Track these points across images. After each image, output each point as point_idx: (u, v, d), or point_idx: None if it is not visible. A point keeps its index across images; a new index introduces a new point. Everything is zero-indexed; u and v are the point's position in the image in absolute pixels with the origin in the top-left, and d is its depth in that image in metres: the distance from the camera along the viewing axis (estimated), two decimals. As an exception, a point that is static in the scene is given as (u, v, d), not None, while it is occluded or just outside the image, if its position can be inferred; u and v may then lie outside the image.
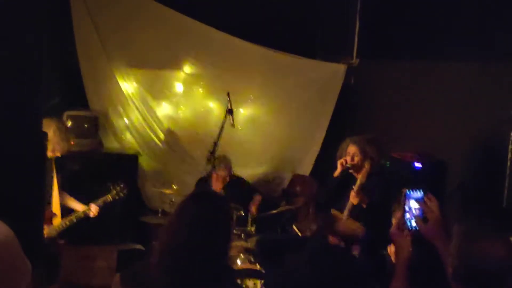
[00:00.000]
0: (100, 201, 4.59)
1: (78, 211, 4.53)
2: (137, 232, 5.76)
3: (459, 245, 1.94)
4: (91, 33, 6.13)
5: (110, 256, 5.30)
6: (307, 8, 6.39)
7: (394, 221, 3.24)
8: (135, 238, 5.78)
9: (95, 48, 6.18)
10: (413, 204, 2.32)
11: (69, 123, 5.54)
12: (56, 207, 4.42)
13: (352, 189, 4.13)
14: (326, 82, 6.32)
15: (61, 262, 4.61)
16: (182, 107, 6.52)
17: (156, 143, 6.48)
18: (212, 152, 5.04)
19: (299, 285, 2.56)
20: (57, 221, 4.42)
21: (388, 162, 5.02)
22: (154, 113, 6.44)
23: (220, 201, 2.34)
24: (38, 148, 2.74)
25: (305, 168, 6.46)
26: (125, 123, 6.44)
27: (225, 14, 6.19)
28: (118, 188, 4.68)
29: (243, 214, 5.02)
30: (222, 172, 5.44)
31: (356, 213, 4.11)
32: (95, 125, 6.05)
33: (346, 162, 4.28)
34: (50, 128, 4.14)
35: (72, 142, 4.61)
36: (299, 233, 5.21)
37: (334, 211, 4.21)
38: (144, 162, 6.40)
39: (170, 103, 6.52)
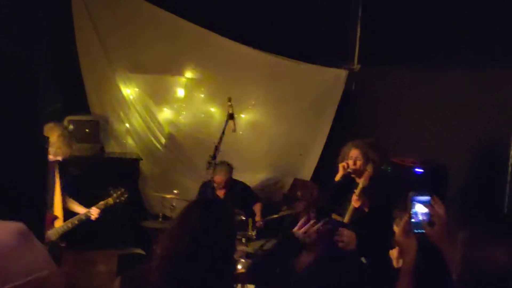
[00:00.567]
0: (101, 204, 4.60)
1: (80, 214, 4.54)
2: (138, 237, 5.76)
3: (464, 252, 1.94)
4: (93, 38, 6.16)
5: (110, 261, 5.31)
6: (308, 14, 6.41)
7: (395, 226, 3.24)
8: (136, 243, 5.78)
9: (97, 53, 6.20)
10: (419, 208, 2.31)
11: (71, 128, 5.55)
12: (58, 210, 4.44)
13: (354, 193, 4.13)
14: (327, 87, 6.33)
15: (62, 266, 4.61)
16: (183, 112, 6.54)
17: (157, 148, 6.50)
18: (213, 157, 5.04)
19: None
20: (59, 223, 4.44)
21: (389, 167, 5.02)
22: (155, 118, 6.46)
23: (224, 210, 2.32)
24: (39, 152, 2.75)
25: (306, 173, 6.47)
26: (126, 127, 6.46)
27: (227, 19, 6.21)
28: (118, 192, 4.70)
29: (243, 219, 5.01)
30: (219, 178, 5.44)
31: (357, 217, 4.11)
32: (96, 130, 6.07)
33: (348, 166, 4.28)
34: (54, 133, 4.18)
35: (74, 147, 4.63)
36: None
37: (335, 216, 4.20)
38: (145, 166, 6.41)
39: (171, 108, 6.53)
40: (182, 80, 6.52)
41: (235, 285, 3.19)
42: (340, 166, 4.30)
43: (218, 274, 2.13)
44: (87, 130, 5.99)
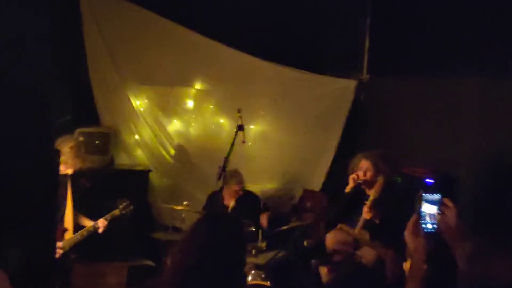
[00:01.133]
0: (108, 216, 4.62)
1: (87, 226, 4.57)
2: (148, 248, 5.76)
3: (466, 266, 1.92)
4: (102, 50, 6.21)
5: (120, 272, 5.30)
6: (317, 24, 6.42)
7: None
8: (146, 254, 5.77)
9: (107, 65, 6.24)
10: (429, 207, 2.28)
11: (81, 140, 5.58)
12: (68, 222, 4.46)
13: (365, 204, 4.11)
14: (336, 97, 6.31)
15: (71, 278, 4.62)
16: (193, 123, 6.55)
17: (166, 159, 6.51)
18: (223, 168, 5.04)
19: None
20: (69, 235, 4.46)
21: (399, 178, 5.00)
22: (165, 129, 6.48)
23: (234, 224, 2.32)
24: (51, 165, 2.77)
25: (316, 184, 6.44)
26: (136, 139, 6.48)
27: (235, 30, 6.23)
28: (124, 204, 4.72)
29: (254, 230, 5.00)
30: (234, 187, 5.44)
31: (368, 228, 4.09)
32: (106, 142, 6.09)
33: (358, 177, 4.26)
34: (65, 145, 4.24)
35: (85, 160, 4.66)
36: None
37: (345, 227, 4.18)
38: (155, 178, 6.42)
39: (181, 120, 6.55)
40: (192, 91, 6.53)
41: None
42: (350, 178, 4.29)
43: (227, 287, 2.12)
44: (97, 142, 6.01)
